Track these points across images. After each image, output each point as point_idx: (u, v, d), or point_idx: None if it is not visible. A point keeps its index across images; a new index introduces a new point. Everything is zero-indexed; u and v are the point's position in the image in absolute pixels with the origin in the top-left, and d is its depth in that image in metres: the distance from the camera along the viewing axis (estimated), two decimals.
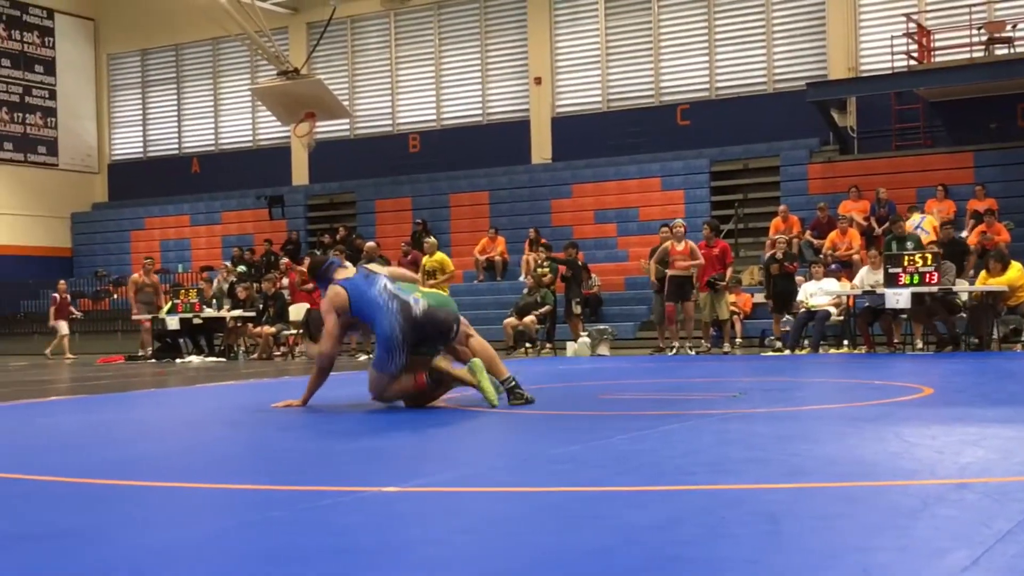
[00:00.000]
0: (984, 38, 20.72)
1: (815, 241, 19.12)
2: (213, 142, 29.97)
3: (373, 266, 7.90)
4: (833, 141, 22.49)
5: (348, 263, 8.20)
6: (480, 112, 26.36)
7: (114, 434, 6.83)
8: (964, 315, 15.44)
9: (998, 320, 15.23)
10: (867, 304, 15.45)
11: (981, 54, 20.77)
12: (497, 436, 6.16)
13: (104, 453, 5.75)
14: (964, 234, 18.35)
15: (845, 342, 16.04)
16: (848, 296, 15.79)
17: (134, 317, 20.71)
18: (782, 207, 20.47)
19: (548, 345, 18.13)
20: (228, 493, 4.33)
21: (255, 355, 19.51)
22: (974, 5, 21.07)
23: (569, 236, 22.32)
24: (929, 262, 14.60)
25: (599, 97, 25.03)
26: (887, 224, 18.39)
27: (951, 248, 16.20)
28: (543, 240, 21.55)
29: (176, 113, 30.53)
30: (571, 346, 17.52)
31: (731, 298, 17.57)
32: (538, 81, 25.37)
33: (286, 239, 25.60)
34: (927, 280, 14.56)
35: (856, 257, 17.99)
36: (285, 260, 22.49)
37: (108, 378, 14.51)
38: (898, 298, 14.58)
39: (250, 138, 29.42)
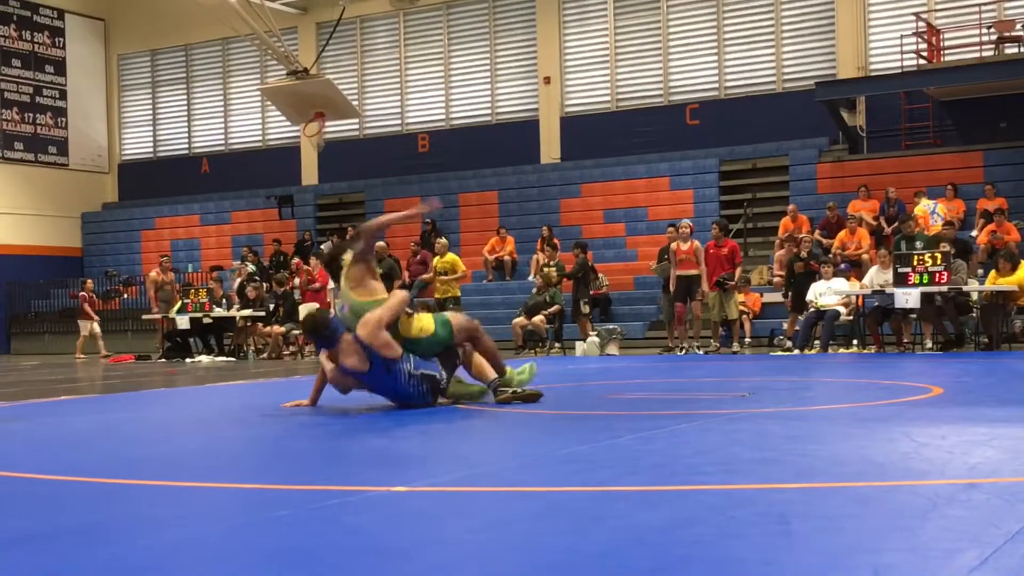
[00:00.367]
0: (994, 37, 20.66)
1: (824, 241, 19.10)
2: (223, 142, 30.01)
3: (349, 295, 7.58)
4: (842, 140, 22.44)
5: None
6: (489, 112, 26.36)
7: (124, 433, 6.85)
8: (974, 315, 15.42)
9: (1008, 320, 15.21)
10: (876, 304, 15.42)
11: (991, 53, 20.71)
12: (506, 436, 6.17)
13: (114, 452, 5.77)
14: (974, 233, 18.32)
15: (854, 342, 16.01)
16: (857, 296, 15.77)
17: (156, 315, 20.89)
18: (791, 206, 20.43)
19: (557, 345, 18.13)
20: (237, 492, 4.34)
21: (265, 355, 19.54)
22: (984, 4, 21.01)
23: (578, 236, 22.31)
24: (939, 261, 14.58)
25: (608, 97, 25.01)
26: (896, 223, 18.37)
27: (955, 247, 16.19)
28: (555, 240, 21.59)
29: (186, 113, 30.58)
30: (580, 346, 17.52)
31: (740, 298, 17.55)
32: (547, 81, 25.37)
33: (300, 239, 25.63)
34: (937, 280, 14.53)
35: (865, 257, 17.96)
36: (296, 259, 22.55)
37: (118, 377, 14.56)
38: (907, 298, 14.56)
39: (259, 138, 29.46)
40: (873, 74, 22.17)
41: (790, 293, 17.02)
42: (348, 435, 6.18)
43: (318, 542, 3.14)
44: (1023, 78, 20.12)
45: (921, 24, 21.33)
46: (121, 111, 31.53)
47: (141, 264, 28.82)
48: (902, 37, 21.50)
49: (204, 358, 19.26)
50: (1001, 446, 4.92)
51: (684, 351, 16.61)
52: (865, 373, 11.27)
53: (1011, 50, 20.58)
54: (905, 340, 15.60)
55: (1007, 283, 14.99)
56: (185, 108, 30.56)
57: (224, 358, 19.29)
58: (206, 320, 19.65)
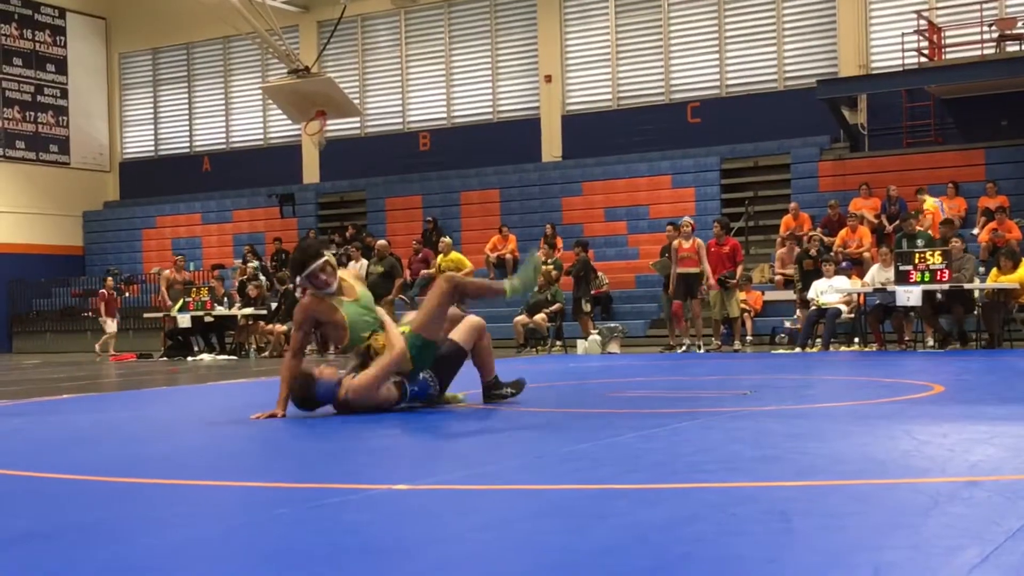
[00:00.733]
0: (995, 35, 20.66)
1: (826, 239, 19.10)
2: (224, 140, 30.02)
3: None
4: (844, 138, 22.45)
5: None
6: (490, 110, 26.36)
7: (125, 432, 6.84)
8: (975, 312, 15.42)
9: (1009, 317, 15.21)
10: (878, 302, 15.43)
11: (992, 51, 20.71)
12: (507, 434, 6.17)
13: (114, 451, 5.77)
14: (975, 231, 18.32)
15: (856, 340, 16.02)
16: (859, 294, 15.77)
17: (159, 314, 20.96)
18: (793, 205, 20.45)
19: (558, 343, 18.13)
20: (237, 491, 4.34)
21: (266, 353, 19.56)
22: (985, 2, 21.01)
23: (579, 234, 22.34)
24: (939, 260, 14.59)
25: (609, 95, 25.01)
26: (898, 221, 18.38)
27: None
28: (559, 239, 21.60)
29: (187, 112, 30.59)
30: (581, 344, 17.52)
31: (741, 295, 17.56)
32: (548, 79, 25.36)
33: (303, 238, 25.60)
34: (938, 278, 14.54)
35: (867, 255, 17.97)
36: None
37: (120, 376, 14.56)
38: (909, 296, 14.56)
39: (261, 136, 29.47)
40: (874, 72, 22.17)
41: (799, 288, 17.05)
42: (348, 433, 6.17)
43: (318, 540, 3.14)
44: None
45: (922, 22, 21.33)
46: (122, 110, 31.55)
47: (142, 263, 28.85)
48: (903, 35, 21.50)
49: (206, 356, 19.27)
50: (1002, 444, 4.92)
51: (684, 349, 16.60)
52: (866, 371, 11.27)
53: (1012, 48, 20.58)
54: (906, 338, 15.60)
55: (1008, 281, 14.99)
56: (186, 107, 30.57)
57: (225, 356, 19.30)
58: (208, 319, 19.67)
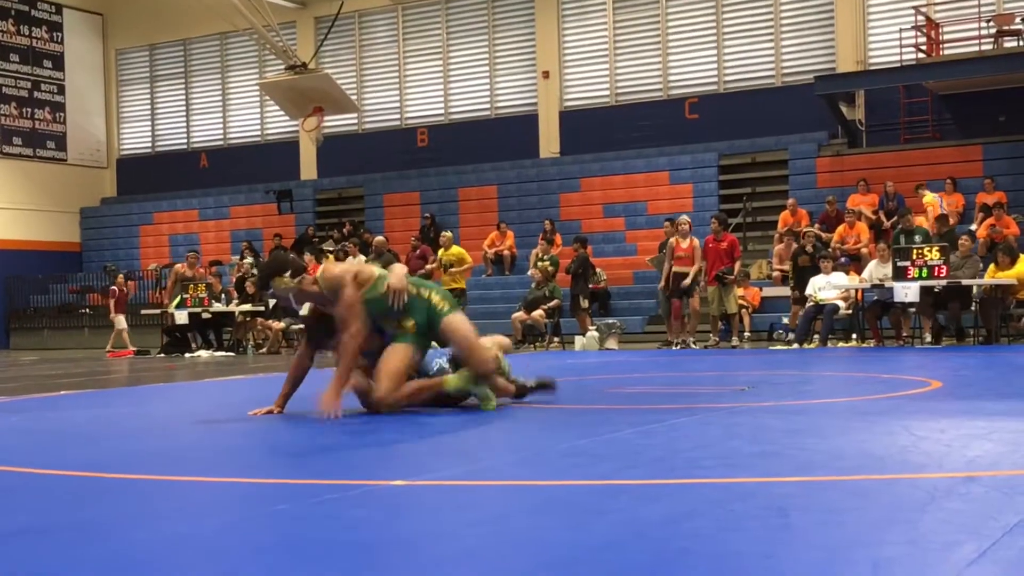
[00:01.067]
0: (993, 31, 20.66)
1: (823, 235, 19.11)
2: (221, 137, 29.98)
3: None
4: (841, 134, 22.45)
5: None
6: (488, 106, 26.34)
7: (122, 428, 6.84)
8: (972, 308, 15.43)
9: (1006, 313, 15.23)
10: (876, 298, 15.44)
11: (990, 47, 20.70)
12: (505, 430, 6.16)
13: (112, 447, 5.76)
14: (973, 227, 18.33)
15: (853, 336, 16.03)
16: (856, 290, 15.78)
17: (167, 309, 20.87)
18: (791, 200, 20.46)
19: (556, 339, 18.13)
20: (235, 487, 4.34)
21: (264, 349, 19.55)
22: None
23: (577, 230, 22.33)
24: (937, 256, 14.61)
25: (607, 91, 25.00)
26: (895, 217, 18.38)
27: (948, 239, 16.21)
28: (557, 235, 21.58)
29: (184, 108, 30.55)
30: (579, 340, 17.53)
31: (739, 292, 17.56)
32: (546, 75, 25.35)
33: (303, 233, 25.60)
34: (936, 274, 14.55)
35: (864, 251, 17.98)
36: (308, 256, 22.45)
37: (117, 372, 14.56)
38: (907, 292, 14.58)
39: (258, 133, 29.44)
40: (872, 68, 22.17)
41: (793, 285, 17.05)
42: (347, 429, 6.17)
43: (316, 536, 3.14)
44: (1022, 72, 20.12)
45: (920, 18, 21.32)
46: (119, 106, 31.50)
47: (140, 259, 28.83)
48: (901, 31, 21.50)
49: (203, 353, 19.26)
50: (1000, 439, 4.93)
51: (679, 346, 16.59)
52: (864, 367, 11.27)
53: (1010, 44, 20.57)
54: (904, 334, 15.62)
55: (1006, 277, 15.00)
56: (184, 103, 30.53)
57: (223, 353, 19.29)
58: (205, 315, 19.65)
